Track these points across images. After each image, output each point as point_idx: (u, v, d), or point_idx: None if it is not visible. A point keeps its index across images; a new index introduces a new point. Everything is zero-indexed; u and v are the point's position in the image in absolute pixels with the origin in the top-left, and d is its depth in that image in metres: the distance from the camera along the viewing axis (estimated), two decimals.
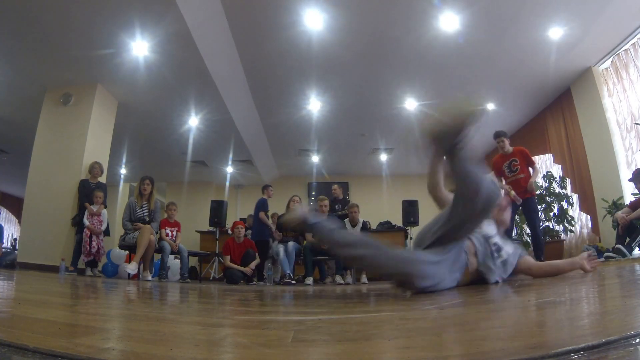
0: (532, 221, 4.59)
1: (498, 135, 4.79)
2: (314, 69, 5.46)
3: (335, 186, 6.61)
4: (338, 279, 4.93)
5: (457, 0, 4.29)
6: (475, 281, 1.75)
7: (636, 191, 4.46)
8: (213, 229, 6.80)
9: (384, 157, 9.09)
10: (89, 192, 4.90)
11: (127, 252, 4.71)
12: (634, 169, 4.48)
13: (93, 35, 4.34)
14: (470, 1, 4.28)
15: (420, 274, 1.46)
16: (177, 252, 4.96)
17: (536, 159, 5.31)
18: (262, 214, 5.70)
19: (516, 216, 5.04)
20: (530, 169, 4.68)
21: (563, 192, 6.09)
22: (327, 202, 5.29)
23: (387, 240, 1.69)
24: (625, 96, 5.13)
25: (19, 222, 9.50)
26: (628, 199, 4.74)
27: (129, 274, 4.53)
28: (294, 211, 1.72)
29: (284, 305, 1.72)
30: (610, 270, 2.68)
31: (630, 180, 4.47)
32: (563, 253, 5.89)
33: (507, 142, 4.80)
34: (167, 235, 4.95)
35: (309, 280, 4.77)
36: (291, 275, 4.79)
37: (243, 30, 4.81)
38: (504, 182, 4.67)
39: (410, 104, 6.55)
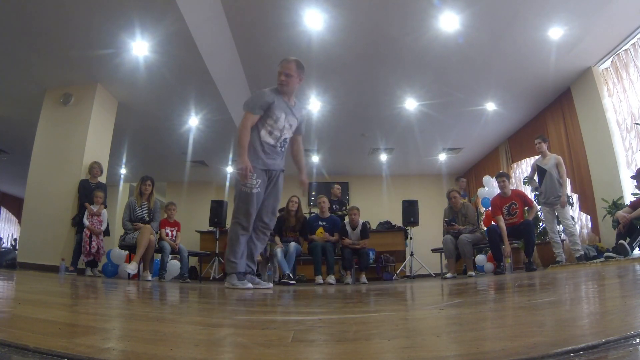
0: (530, 235, 4.71)
1: (500, 175, 5.14)
2: (314, 69, 5.45)
3: (336, 186, 6.64)
4: (331, 279, 4.85)
5: (457, 0, 4.28)
6: None
7: (636, 191, 4.45)
8: (213, 229, 6.80)
9: (384, 157, 9.08)
10: (89, 192, 4.89)
11: (127, 252, 4.71)
12: (638, 168, 4.48)
13: (93, 35, 4.34)
14: (470, 1, 4.28)
15: None
16: (177, 252, 4.96)
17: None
18: None
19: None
20: (526, 208, 4.96)
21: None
22: (325, 199, 5.33)
23: None
24: (625, 96, 5.13)
25: (19, 222, 9.50)
26: (628, 199, 4.74)
27: (129, 274, 4.53)
28: None
29: (284, 305, 1.72)
30: (610, 270, 2.68)
31: (632, 177, 4.47)
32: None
33: (508, 183, 5.07)
34: (167, 235, 4.96)
35: (319, 279, 4.74)
36: (290, 275, 4.78)
37: (243, 30, 4.81)
38: (502, 222, 4.92)
39: (410, 104, 6.55)
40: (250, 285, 2.86)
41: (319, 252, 4.90)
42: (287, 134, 3.12)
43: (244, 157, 2.80)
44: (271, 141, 2.98)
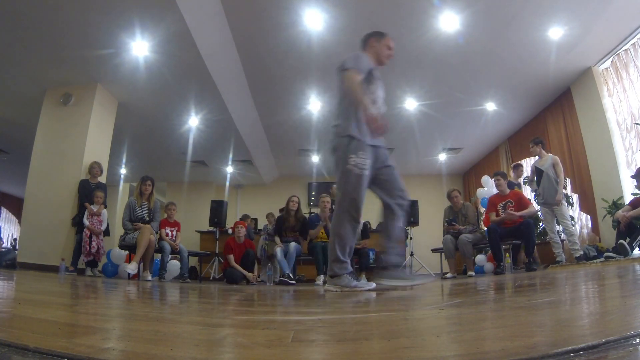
0: (530, 235, 4.65)
1: (496, 174, 5.09)
2: (314, 69, 5.45)
3: (334, 186, 6.63)
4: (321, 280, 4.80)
5: (457, 0, 4.28)
6: None
7: (636, 190, 4.46)
8: (213, 229, 6.80)
9: None
10: (89, 192, 4.90)
11: (127, 252, 4.71)
12: (638, 168, 4.48)
13: (93, 35, 4.34)
14: (471, 1, 4.28)
15: None
16: (177, 252, 4.96)
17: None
18: None
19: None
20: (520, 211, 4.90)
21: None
22: (329, 199, 5.30)
23: None
24: (625, 96, 5.13)
25: (19, 222, 9.50)
26: (628, 198, 4.74)
27: (129, 274, 4.53)
28: None
29: (284, 305, 1.72)
30: (610, 270, 2.68)
31: (632, 177, 4.48)
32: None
33: (503, 182, 5.01)
34: (167, 235, 4.96)
35: (320, 279, 4.72)
36: (290, 275, 4.78)
37: (243, 30, 4.80)
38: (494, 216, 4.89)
39: (410, 104, 6.54)
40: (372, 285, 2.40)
41: (320, 252, 4.90)
42: (384, 108, 2.63)
43: (371, 108, 2.29)
44: (375, 113, 2.40)
